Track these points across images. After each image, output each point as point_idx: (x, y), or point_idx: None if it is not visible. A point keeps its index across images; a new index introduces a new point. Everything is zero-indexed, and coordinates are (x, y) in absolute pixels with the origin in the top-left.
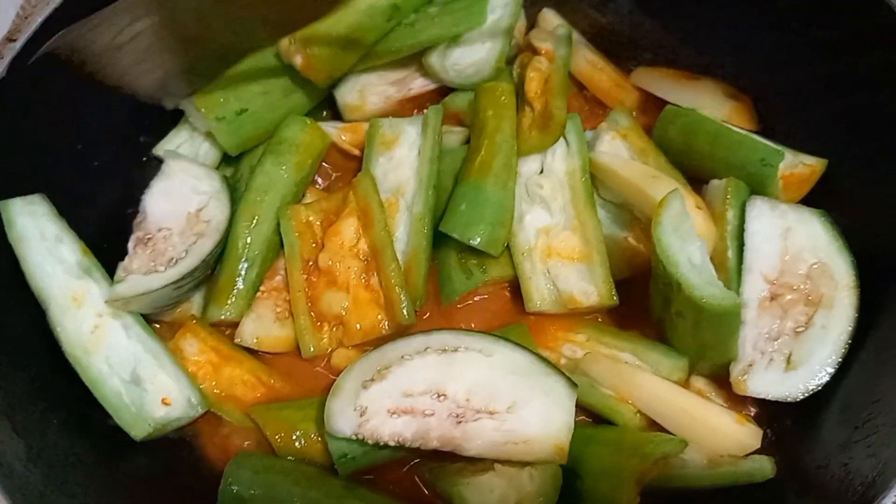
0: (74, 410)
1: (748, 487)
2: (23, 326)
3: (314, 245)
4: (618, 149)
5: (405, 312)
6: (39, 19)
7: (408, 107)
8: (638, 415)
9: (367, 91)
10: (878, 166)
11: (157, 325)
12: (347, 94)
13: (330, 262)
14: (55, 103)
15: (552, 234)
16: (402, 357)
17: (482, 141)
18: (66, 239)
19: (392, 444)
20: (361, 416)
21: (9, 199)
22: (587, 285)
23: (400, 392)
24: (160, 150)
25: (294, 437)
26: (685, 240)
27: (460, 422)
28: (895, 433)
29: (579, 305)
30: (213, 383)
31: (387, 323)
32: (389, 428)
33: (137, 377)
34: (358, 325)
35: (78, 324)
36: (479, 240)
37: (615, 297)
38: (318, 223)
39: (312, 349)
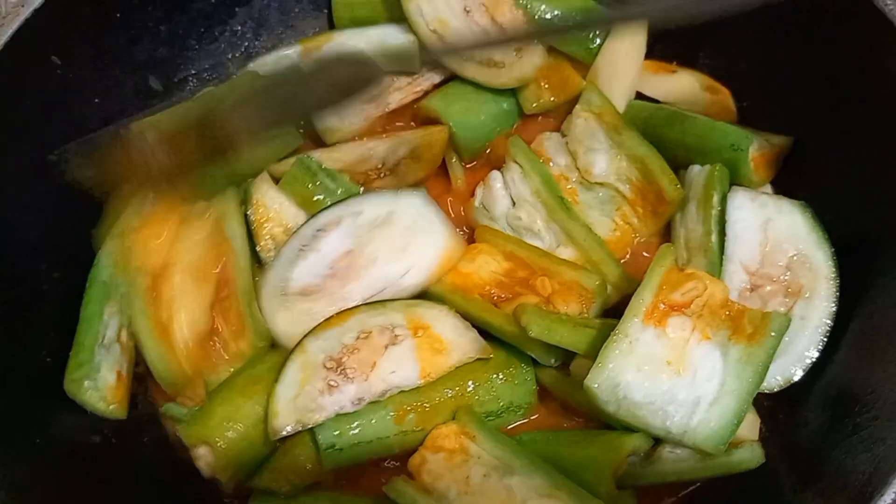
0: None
1: (744, 483)
2: None
3: None
4: (592, 130)
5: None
6: (21, 18)
7: (388, 122)
8: None
9: (345, 112)
10: (856, 150)
11: None
12: (326, 118)
13: None
14: (31, 108)
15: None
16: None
17: None
18: None
19: None
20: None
21: None
22: None
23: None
24: None
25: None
26: None
27: None
28: (890, 427)
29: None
30: None
31: None
32: None
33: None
34: None
35: None
36: None
37: (628, 280)
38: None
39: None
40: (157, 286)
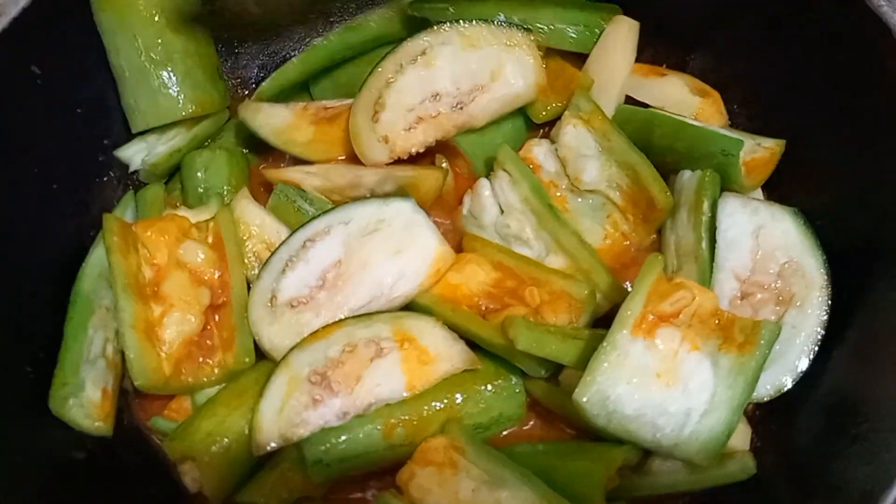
0: None
1: (738, 495)
2: None
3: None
4: (581, 136)
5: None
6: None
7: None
8: None
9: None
10: (849, 155)
11: None
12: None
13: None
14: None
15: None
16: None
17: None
18: None
19: (420, 150)
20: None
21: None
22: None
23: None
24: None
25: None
26: None
27: (462, 107)
28: (889, 438)
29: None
30: None
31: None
32: (413, 145)
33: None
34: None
35: None
36: None
37: (619, 289)
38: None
39: None
40: (158, 281)
